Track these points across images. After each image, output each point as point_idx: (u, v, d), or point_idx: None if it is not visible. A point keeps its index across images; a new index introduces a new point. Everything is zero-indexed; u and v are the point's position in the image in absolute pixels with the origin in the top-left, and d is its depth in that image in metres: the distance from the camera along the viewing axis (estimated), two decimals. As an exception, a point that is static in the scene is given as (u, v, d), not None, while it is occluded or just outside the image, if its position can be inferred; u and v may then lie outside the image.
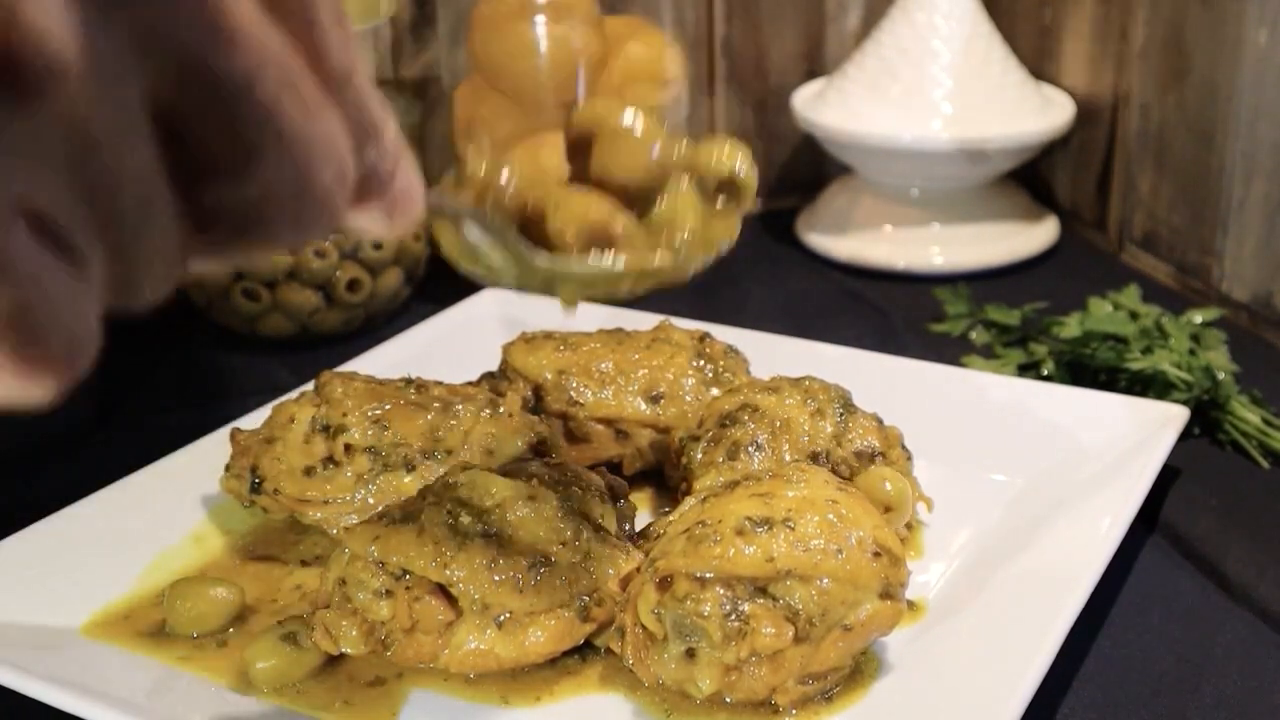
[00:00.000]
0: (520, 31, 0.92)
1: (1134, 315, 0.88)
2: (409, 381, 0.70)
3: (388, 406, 0.66)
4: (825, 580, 0.53)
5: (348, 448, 0.65)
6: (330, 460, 0.66)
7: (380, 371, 0.73)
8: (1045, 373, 0.85)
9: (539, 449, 0.68)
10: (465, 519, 0.57)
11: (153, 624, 0.61)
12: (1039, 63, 1.13)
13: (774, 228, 1.15)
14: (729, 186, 0.54)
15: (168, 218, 0.30)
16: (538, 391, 0.72)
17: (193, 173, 0.30)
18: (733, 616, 0.53)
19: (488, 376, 0.75)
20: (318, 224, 0.33)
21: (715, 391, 0.71)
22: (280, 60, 0.30)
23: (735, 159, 0.54)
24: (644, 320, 0.80)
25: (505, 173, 0.51)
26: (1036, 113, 1.04)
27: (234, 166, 0.30)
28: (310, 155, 0.31)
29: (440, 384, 0.70)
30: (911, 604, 0.60)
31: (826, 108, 1.05)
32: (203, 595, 0.61)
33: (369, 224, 0.37)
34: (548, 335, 0.75)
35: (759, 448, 0.64)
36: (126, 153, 0.28)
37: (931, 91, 1.02)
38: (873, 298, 1.01)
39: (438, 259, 1.01)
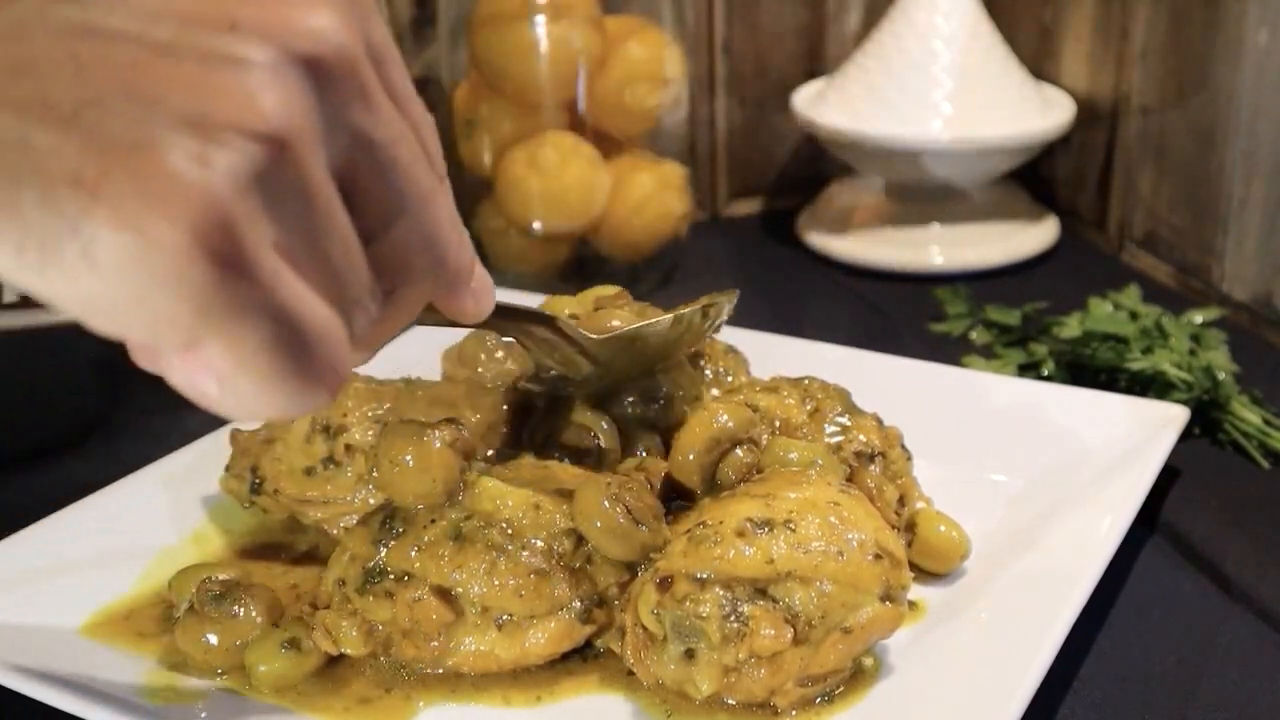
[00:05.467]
0: (520, 31, 0.92)
1: (1134, 315, 0.88)
2: (409, 382, 0.70)
3: (388, 406, 0.66)
4: (825, 582, 0.53)
5: (348, 448, 0.65)
6: (331, 460, 0.66)
7: (380, 372, 0.73)
8: (1045, 373, 0.85)
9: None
10: (468, 523, 0.57)
11: (153, 624, 0.61)
12: (1039, 63, 1.13)
13: (774, 228, 1.15)
14: None
15: (363, 268, 0.36)
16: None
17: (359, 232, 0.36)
18: (732, 618, 0.53)
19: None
20: (453, 275, 0.41)
21: (715, 392, 0.71)
22: (411, 139, 0.37)
23: None
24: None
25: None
26: (1036, 113, 1.04)
27: (384, 223, 0.37)
28: (438, 214, 0.39)
29: (440, 384, 0.70)
30: (912, 604, 0.60)
31: (826, 108, 1.05)
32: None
33: (469, 303, 0.45)
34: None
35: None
36: (335, 208, 0.35)
37: (931, 91, 1.02)
38: (873, 298, 1.01)
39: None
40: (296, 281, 0.33)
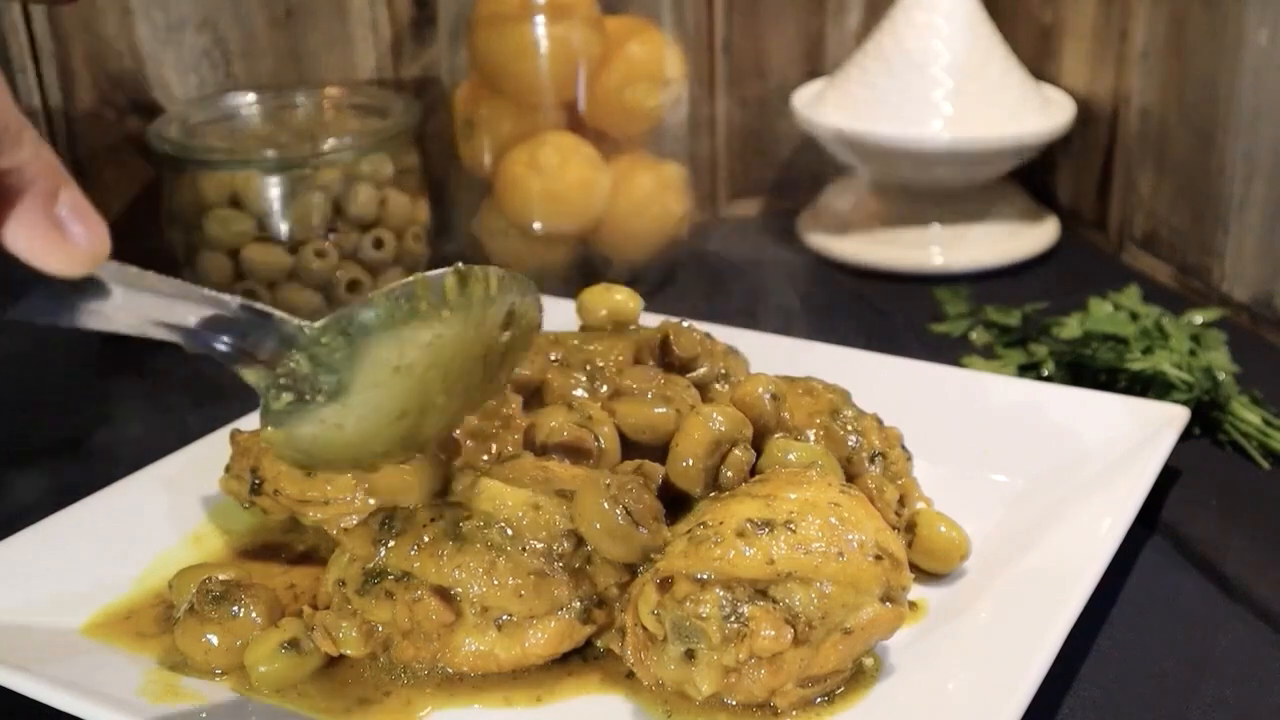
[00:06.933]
0: (520, 31, 0.92)
1: (1134, 315, 0.88)
2: (409, 382, 0.69)
3: (388, 407, 0.66)
4: (826, 583, 0.53)
5: (348, 448, 0.65)
6: (330, 461, 0.65)
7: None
8: (1045, 373, 0.85)
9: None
10: (468, 524, 0.57)
11: (153, 624, 0.61)
12: (1039, 63, 1.13)
13: (774, 228, 1.15)
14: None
15: None
16: (538, 391, 0.72)
17: None
18: (732, 618, 0.53)
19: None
20: None
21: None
22: None
23: None
24: (645, 321, 0.80)
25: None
26: (1036, 113, 1.04)
27: None
28: None
29: (440, 384, 0.70)
30: (912, 604, 0.60)
31: (826, 108, 1.05)
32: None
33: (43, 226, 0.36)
34: (549, 338, 0.75)
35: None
36: None
37: (931, 91, 1.02)
38: (873, 298, 1.01)
39: (437, 260, 1.01)
40: None
